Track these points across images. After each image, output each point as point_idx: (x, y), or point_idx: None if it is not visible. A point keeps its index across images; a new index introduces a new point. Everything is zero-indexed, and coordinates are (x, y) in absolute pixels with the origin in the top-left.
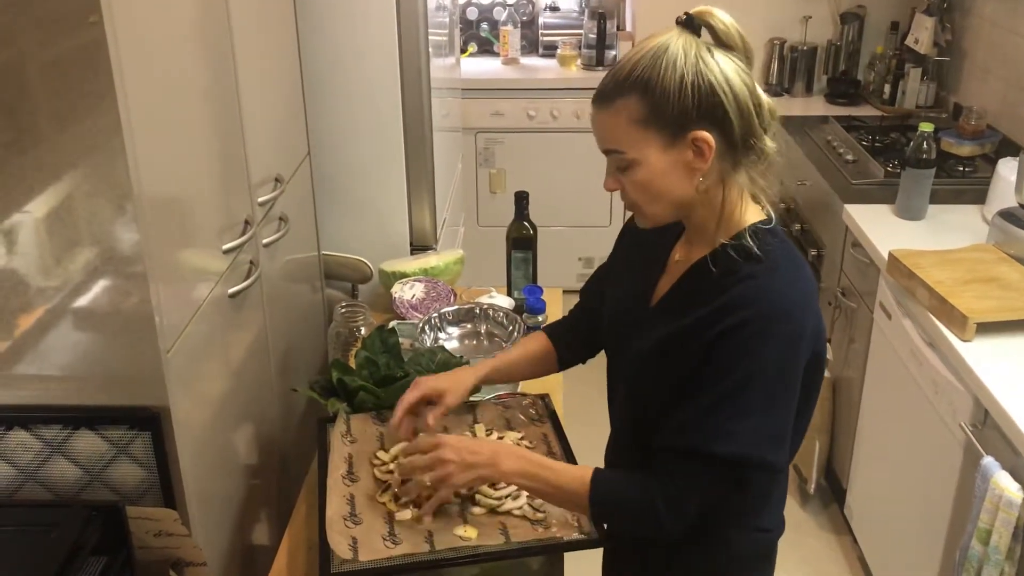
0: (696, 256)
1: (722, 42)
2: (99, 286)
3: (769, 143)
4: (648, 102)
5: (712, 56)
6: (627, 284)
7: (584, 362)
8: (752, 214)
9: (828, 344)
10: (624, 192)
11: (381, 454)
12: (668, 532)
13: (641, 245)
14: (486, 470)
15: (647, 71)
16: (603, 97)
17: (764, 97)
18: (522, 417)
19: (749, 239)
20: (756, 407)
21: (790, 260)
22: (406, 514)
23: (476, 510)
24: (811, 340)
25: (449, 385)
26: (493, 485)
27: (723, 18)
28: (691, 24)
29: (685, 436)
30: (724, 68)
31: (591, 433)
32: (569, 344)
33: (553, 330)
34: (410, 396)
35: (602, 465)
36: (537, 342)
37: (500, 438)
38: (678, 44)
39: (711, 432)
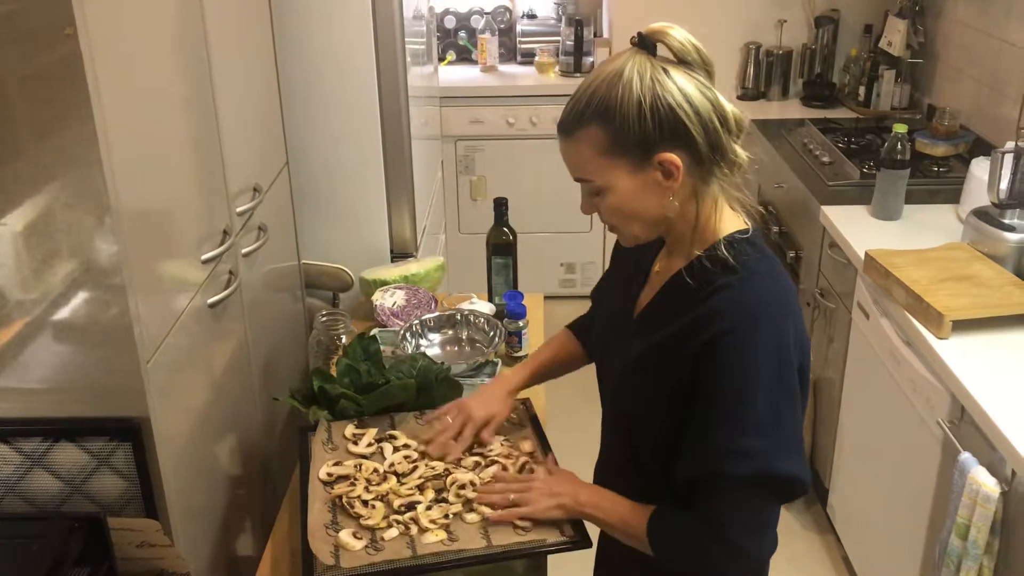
0: (675, 267)
1: (680, 59)
2: (78, 298)
3: (741, 153)
4: (609, 130)
5: (668, 76)
6: (614, 296)
7: None
8: (729, 223)
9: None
10: (600, 215)
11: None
12: (746, 563)
13: (628, 256)
14: (566, 499)
15: (604, 99)
16: (565, 128)
17: (729, 108)
18: (504, 422)
19: (724, 250)
20: (762, 420)
21: (767, 269)
22: (392, 532)
23: (453, 510)
24: (796, 348)
25: (496, 410)
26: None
27: (677, 35)
28: (645, 44)
29: (700, 463)
30: (682, 86)
31: (573, 438)
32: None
33: (577, 325)
34: (463, 442)
35: (586, 472)
36: (564, 341)
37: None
38: (633, 67)
39: (725, 454)
